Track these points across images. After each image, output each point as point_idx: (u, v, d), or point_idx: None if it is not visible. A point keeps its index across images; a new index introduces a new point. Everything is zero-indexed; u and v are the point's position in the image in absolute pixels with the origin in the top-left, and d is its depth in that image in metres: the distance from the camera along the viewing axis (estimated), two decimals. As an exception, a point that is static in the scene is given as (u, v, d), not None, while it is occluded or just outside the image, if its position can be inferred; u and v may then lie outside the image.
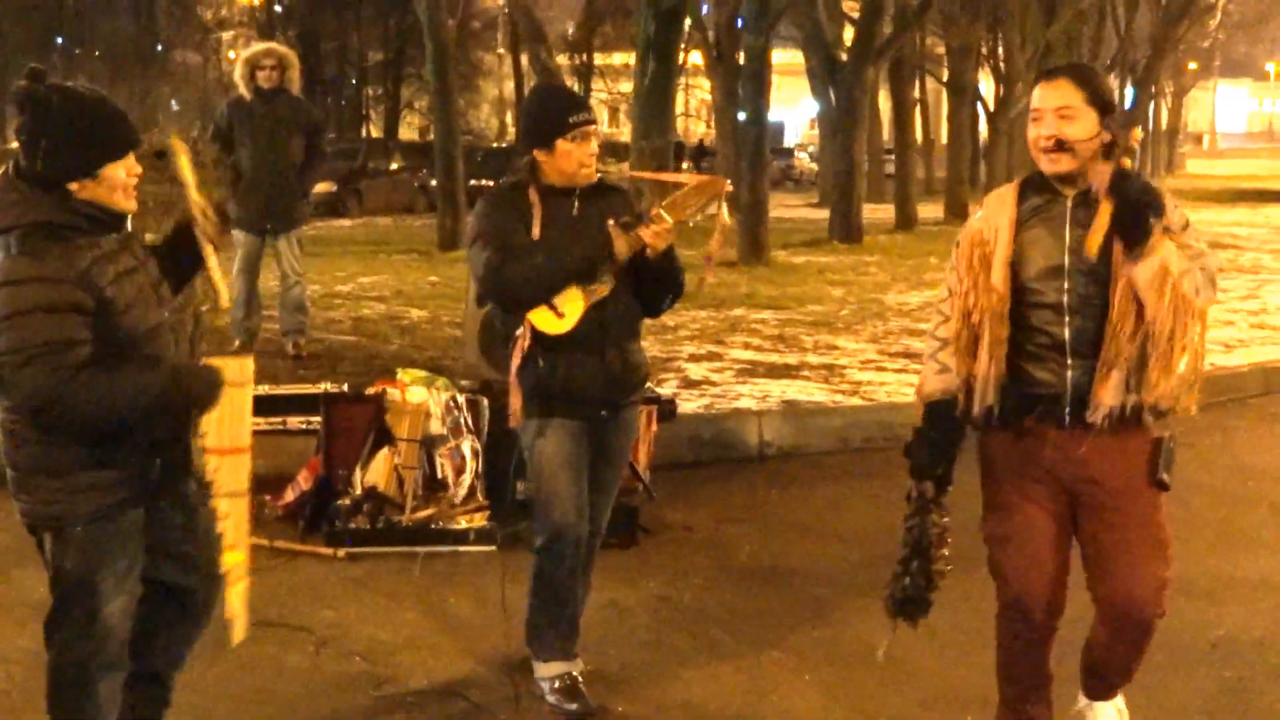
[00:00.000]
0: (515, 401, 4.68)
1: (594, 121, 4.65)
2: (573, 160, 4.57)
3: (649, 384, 5.10)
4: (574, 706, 4.65)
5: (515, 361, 4.63)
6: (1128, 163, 3.72)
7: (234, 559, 3.75)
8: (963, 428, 4.02)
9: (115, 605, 3.71)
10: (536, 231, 4.55)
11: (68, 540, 3.65)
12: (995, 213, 3.97)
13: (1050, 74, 3.99)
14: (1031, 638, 4.09)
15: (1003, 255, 3.88)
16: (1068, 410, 3.85)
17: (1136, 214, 3.67)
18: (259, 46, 10.32)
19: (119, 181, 3.60)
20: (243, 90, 9.78)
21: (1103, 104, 3.86)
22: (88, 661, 3.73)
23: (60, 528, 3.65)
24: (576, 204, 4.63)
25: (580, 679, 4.73)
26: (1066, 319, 3.84)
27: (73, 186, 3.55)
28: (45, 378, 3.42)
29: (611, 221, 4.53)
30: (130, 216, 3.71)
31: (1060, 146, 3.80)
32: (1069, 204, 3.88)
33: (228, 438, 3.69)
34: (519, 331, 4.60)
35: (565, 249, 4.51)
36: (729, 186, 4.72)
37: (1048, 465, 3.94)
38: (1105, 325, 3.80)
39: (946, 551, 4.02)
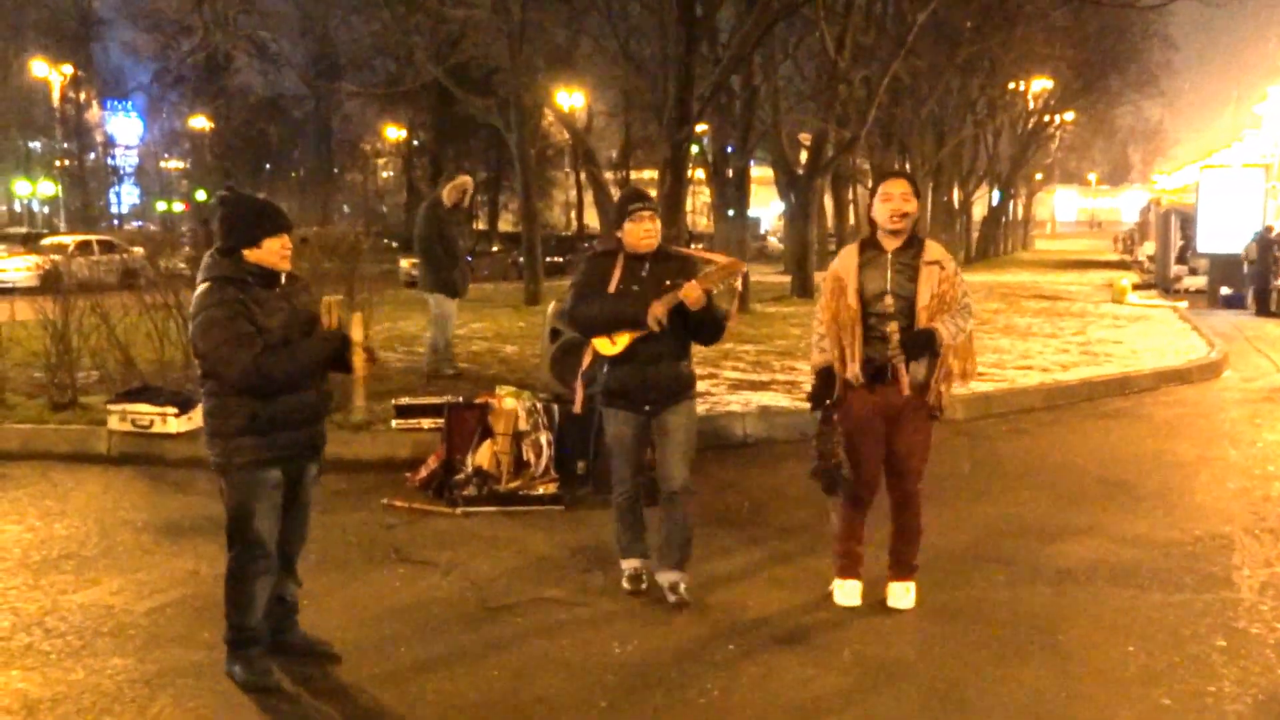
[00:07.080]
0: (580, 392, 4.85)
1: (648, 209, 4.62)
2: (634, 234, 4.60)
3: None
4: (629, 587, 4.91)
5: (583, 365, 4.79)
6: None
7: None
8: (835, 380, 4.48)
9: (263, 527, 3.85)
10: (614, 284, 4.58)
11: (231, 481, 3.84)
12: (845, 261, 4.47)
13: (895, 174, 4.54)
14: (864, 506, 4.67)
15: (853, 286, 4.39)
16: (890, 375, 4.41)
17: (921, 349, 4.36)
18: (461, 178, 10.45)
19: (274, 250, 3.80)
20: (446, 201, 10.13)
21: (918, 193, 4.43)
22: (247, 565, 3.87)
23: (226, 472, 3.83)
24: (648, 266, 4.62)
25: (643, 572, 4.92)
26: (888, 324, 4.36)
27: (245, 253, 3.77)
28: (243, 360, 3.66)
29: (667, 283, 4.56)
30: (285, 275, 3.89)
31: (904, 218, 4.35)
32: (890, 257, 4.37)
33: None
34: (586, 348, 4.78)
35: (619, 309, 4.56)
36: (745, 268, 4.72)
37: (878, 404, 4.44)
38: (912, 329, 4.34)
39: (841, 450, 4.46)
